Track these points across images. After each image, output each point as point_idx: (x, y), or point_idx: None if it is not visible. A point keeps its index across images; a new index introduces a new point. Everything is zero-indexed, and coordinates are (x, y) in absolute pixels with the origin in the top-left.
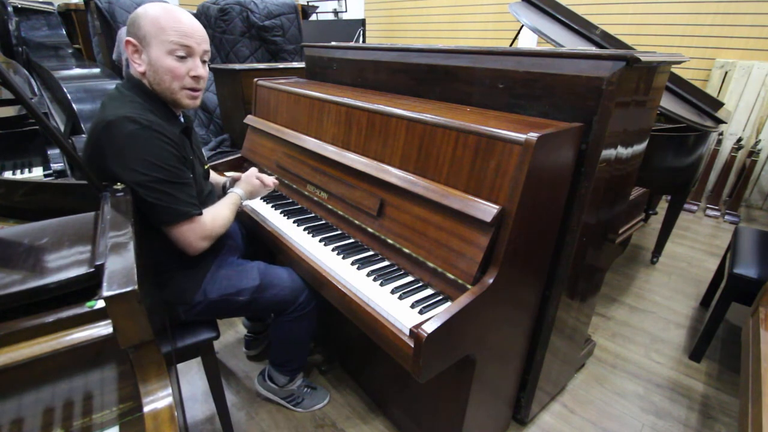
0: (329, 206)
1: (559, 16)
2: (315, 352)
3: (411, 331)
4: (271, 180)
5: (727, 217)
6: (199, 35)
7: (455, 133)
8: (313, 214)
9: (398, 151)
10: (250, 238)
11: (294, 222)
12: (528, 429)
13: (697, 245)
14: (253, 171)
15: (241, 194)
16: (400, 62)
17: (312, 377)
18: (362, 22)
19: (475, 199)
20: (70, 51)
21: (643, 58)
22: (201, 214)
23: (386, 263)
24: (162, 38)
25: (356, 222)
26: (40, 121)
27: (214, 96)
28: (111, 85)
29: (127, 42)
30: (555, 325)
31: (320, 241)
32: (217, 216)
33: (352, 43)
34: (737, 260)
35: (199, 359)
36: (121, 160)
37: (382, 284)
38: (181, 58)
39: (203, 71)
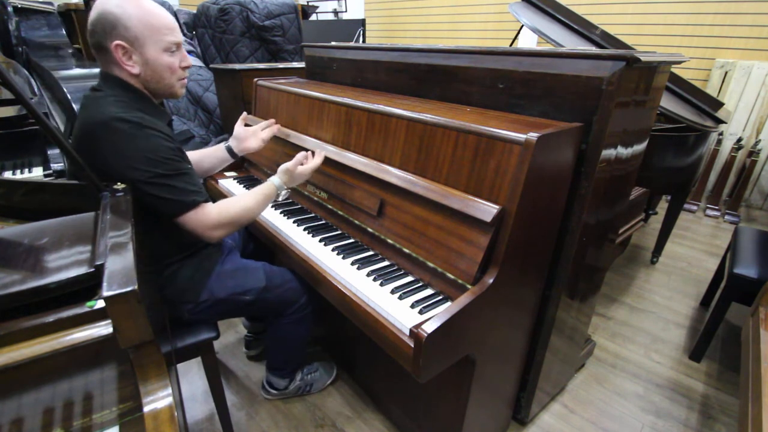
0: (329, 206)
1: (559, 16)
2: (315, 352)
3: (411, 331)
4: (313, 157)
5: (727, 217)
6: (177, 27)
7: (455, 133)
8: (313, 214)
9: (398, 151)
10: (249, 236)
11: (294, 222)
12: (528, 429)
13: (697, 245)
14: (293, 163)
15: (278, 183)
16: (400, 62)
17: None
18: (362, 22)
19: (475, 199)
20: (70, 51)
21: (643, 58)
22: (207, 200)
23: (386, 263)
24: (157, 38)
25: (356, 222)
26: (40, 121)
27: (214, 96)
28: None
29: (117, 46)
30: (555, 325)
31: (320, 241)
32: (231, 204)
33: (352, 43)
34: (737, 260)
35: (199, 359)
36: (120, 160)
37: (382, 284)
38: (173, 52)
39: (190, 58)
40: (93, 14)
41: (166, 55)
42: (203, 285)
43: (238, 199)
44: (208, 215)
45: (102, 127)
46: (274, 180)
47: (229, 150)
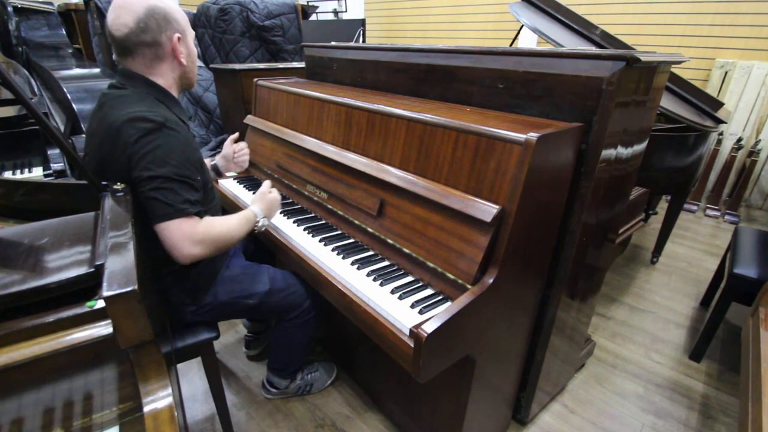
0: (329, 206)
1: (559, 16)
2: (316, 352)
3: (411, 331)
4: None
5: (727, 217)
6: None
7: (455, 133)
8: (313, 214)
9: (398, 151)
10: (250, 237)
11: (294, 222)
12: (528, 429)
13: (697, 245)
14: (264, 187)
15: (257, 211)
16: (400, 62)
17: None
18: (362, 22)
19: (475, 199)
20: (70, 51)
21: (643, 58)
22: (198, 214)
23: (386, 263)
24: (189, 29)
25: (356, 222)
26: (40, 121)
27: (214, 96)
28: None
29: (178, 38)
30: (555, 325)
31: (320, 241)
32: (217, 222)
33: (352, 43)
34: (737, 260)
35: (199, 359)
36: (137, 160)
37: (382, 284)
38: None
39: None
40: (138, 11)
41: (193, 45)
42: (207, 288)
43: (221, 219)
44: (194, 227)
45: (125, 126)
46: (253, 207)
47: (215, 168)
